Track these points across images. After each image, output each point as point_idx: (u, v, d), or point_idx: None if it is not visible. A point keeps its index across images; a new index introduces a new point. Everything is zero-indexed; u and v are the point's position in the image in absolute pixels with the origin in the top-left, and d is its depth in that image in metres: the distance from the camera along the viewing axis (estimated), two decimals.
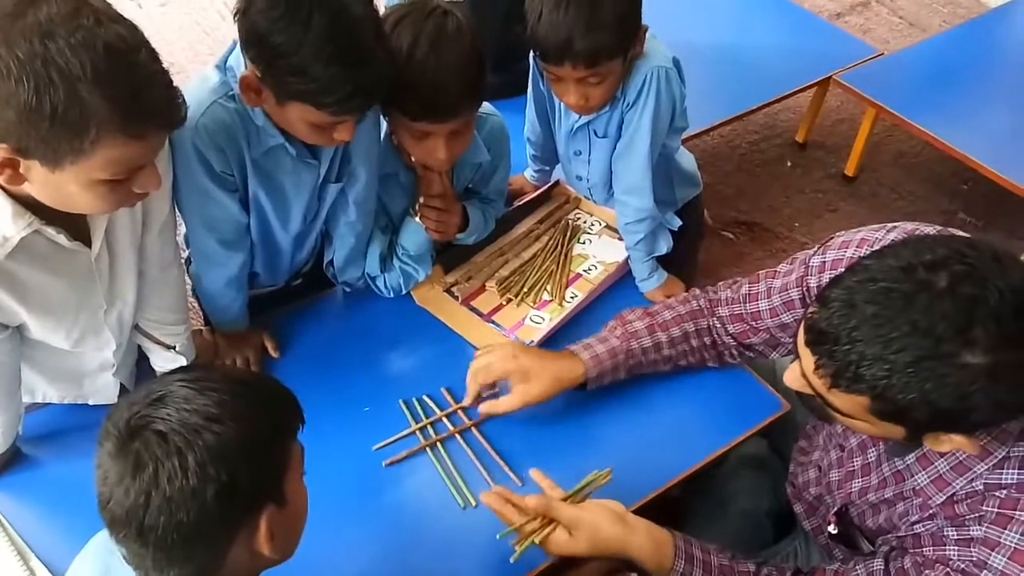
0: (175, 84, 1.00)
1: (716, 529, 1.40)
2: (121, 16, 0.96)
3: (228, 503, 0.82)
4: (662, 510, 1.30)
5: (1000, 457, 0.98)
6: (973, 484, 1.00)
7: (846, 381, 0.92)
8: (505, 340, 1.43)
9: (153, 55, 0.97)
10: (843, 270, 0.98)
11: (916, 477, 1.06)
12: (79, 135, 0.92)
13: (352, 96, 1.16)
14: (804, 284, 1.24)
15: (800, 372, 1.00)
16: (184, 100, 1.01)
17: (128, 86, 0.93)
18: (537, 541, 1.16)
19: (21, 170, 0.97)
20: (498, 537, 1.18)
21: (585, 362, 1.36)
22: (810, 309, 0.96)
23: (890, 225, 1.15)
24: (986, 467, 0.99)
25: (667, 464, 1.37)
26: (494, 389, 1.40)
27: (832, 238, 1.22)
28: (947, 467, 1.03)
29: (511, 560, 1.15)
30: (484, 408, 1.37)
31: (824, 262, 1.20)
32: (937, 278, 0.87)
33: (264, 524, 0.86)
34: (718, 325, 1.40)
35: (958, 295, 0.86)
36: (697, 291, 1.45)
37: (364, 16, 1.16)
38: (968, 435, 0.93)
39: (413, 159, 1.45)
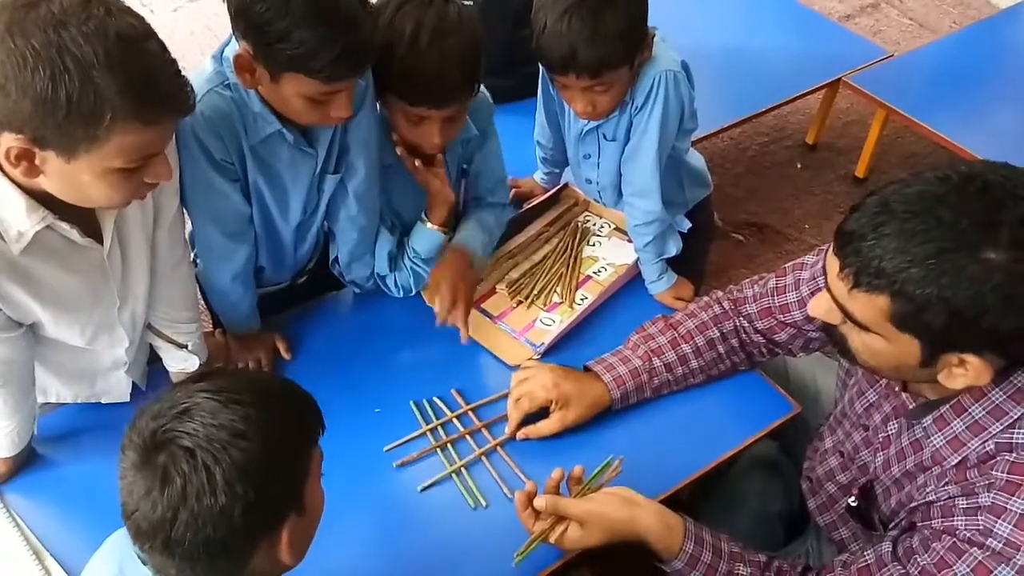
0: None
1: (726, 531, 1.40)
2: (129, 8, 0.98)
3: (253, 518, 0.82)
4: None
5: (1016, 417, 0.99)
6: (986, 445, 1.01)
7: (868, 277, 0.93)
8: (540, 364, 1.45)
9: (161, 45, 1.00)
10: None
11: (932, 439, 1.06)
12: (94, 122, 0.94)
13: (340, 58, 1.17)
14: None
15: (826, 289, 1.01)
16: (193, 88, 1.03)
17: (140, 72, 0.95)
18: (552, 540, 1.17)
19: (37, 162, 0.98)
20: (514, 565, 1.18)
21: (607, 384, 1.38)
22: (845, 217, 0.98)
23: None
24: (1001, 427, 1.00)
25: (677, 466, 1.37)
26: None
27: None
28: (963, 427, 1.03)
29: (513, 564, 1.17)
30: (524, 432, 1.38)
31: None
32: (971, 184, 0.90)
33: (286, 534, 0.87)
34: (745, 324, 1.40)
35: (987, 196, 0.89)
36: (719, 294, 1.45)
37: None
38: (981, 356, 0.93)
39: (400, 141, 1.44)
